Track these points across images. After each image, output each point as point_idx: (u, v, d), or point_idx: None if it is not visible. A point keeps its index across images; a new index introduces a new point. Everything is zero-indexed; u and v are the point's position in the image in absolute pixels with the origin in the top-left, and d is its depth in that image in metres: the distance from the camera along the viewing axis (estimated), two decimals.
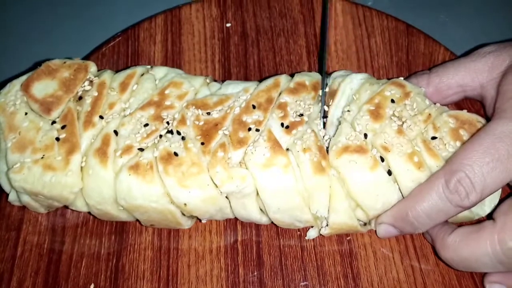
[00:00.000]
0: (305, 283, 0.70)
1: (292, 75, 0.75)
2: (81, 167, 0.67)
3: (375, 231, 0.71)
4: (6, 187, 0.71)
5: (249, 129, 0.68)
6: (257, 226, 0.74)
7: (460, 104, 0.79)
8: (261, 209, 0.69)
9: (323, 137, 0.69)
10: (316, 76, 0.74)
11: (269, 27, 0.91)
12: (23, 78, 0.73)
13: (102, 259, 0.72)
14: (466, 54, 0.76)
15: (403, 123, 0.67)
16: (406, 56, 0.87)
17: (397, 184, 0.66)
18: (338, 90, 0.71)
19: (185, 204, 0.66)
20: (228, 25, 0.91)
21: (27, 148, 0.68)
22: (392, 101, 0.69)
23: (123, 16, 0.94)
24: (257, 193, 0.67)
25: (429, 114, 0.68)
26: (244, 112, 0.69)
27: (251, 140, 0.67)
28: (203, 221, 0.73)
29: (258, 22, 0.91)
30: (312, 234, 0.72)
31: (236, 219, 0.73)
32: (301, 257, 0.72)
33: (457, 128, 0.68)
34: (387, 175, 0.65)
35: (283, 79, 0.73)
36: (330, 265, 0.71)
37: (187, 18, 0.91)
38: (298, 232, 0.73)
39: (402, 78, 0.73)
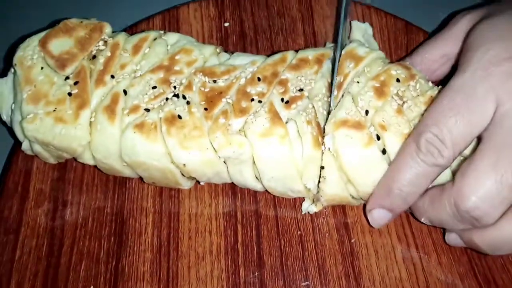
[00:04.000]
0: (306, 283, 0.70)
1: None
2: (90, 122, 0.70)
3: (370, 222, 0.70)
4: (20, 136, 0.74)
5: (252, 99, 0.69)
6: (258, 227, 0.73)
7: None
8: (256, 177, 0.70)
9: (330, 106, 0.70)
10: (321, 49, 0.75)
11: (267, 26, 0.91)
12: (42, 34, 0.76)
13: (102, 261, 0.71)
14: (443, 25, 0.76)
15: (403, 103, 0.67)
16: (405, 53, 0.86)
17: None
18: (365, 58, 0.72)
19: (184, 164, 0.68)
20: (226, 24, 0.91)
21: (41, 101, 0.71)
22: (398, 80, 0.69)
23: (121, 17, 0.94)
24: (254, 161, 0.68)
25: (431, 96, 0.68)
26: (249, 84, 0.71)
27: (253, 110, 0.69)
28: (201, 183, 0.74)
29: (256, 21, 0.91)
30: (305, 207, 0.73)
31: (236, 221, 0.74)
32: (302, 257, 0.71)
33: None
34: (381, 153, 0.66)
35: (290, 55, 0.74)
36: (331, 265, 0.71)
37: (185, 18, 0.91)
38: (299, 232, 0.73)
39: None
